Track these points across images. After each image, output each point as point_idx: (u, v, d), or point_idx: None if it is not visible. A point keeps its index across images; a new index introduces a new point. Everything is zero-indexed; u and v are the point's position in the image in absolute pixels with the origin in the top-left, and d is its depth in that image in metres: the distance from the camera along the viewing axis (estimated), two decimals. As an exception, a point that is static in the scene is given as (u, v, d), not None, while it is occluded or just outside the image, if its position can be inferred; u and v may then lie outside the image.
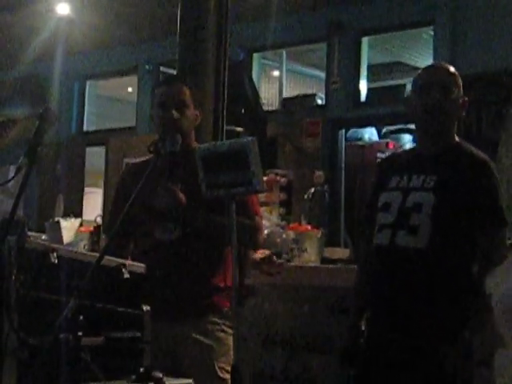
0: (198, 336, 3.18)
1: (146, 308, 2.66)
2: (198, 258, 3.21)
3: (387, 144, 7.38)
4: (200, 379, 2.84)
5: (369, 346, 2.87)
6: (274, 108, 8.24)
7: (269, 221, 4.99)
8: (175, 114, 2.99)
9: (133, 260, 3.09)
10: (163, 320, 2.89)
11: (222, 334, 3.17)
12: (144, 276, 2.77)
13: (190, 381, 2.64)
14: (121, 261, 2.63)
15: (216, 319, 3.17)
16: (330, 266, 4.60)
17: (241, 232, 2.92)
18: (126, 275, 2.61)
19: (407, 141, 7.21)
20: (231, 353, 2.84)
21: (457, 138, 2.85)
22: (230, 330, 3.09)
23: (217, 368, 3.10)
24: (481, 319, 2.64)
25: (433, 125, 2.76)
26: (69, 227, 5.87)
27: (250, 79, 7.45)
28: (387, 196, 2.82)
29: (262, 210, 4.24)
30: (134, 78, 9.28)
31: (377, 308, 2.92)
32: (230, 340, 2.98)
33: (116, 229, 2.77)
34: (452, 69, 2.81)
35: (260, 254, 4.37)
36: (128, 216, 2.67)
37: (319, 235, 4.84)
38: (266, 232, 4.29)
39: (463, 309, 2.69)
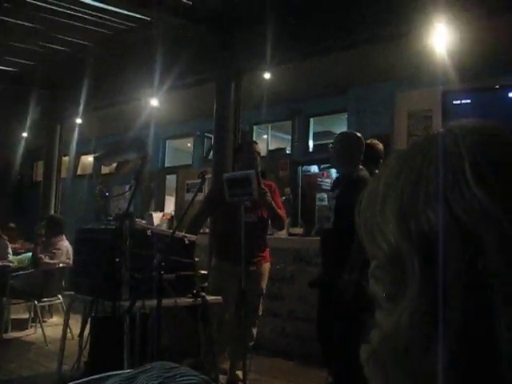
0: (255, 272, 4.63)
1: (196, 259, 4.33)
2: (262, 232, 4.80)
3: (323, 174, 9.64)
4: (253, 295, 4.49)
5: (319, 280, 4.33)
6: (264, 155, 8.90)
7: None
8: None
9: (218, 232, 4.98)
10: (237, 264, 4.33)
11: (265, 272, 4.72)
12: (224, 240, 4.55)
13: (220, 297, 4.31)
14: (183, 234, 4.28)
15: (264, 263, 4.77)
16: (293, 237, 6.74)
17: (278, 219, 4.74)
18: (187, 242, 4.26)
19: (333, 172, 8.57)
20: (266, 281, 4.62)
21: (359, 167, 4.13)
22: (267, 272, 4.67)
23: (263, 288, 4.69)
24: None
25: (334, 165, 4.54)
26: (157, 216, 8.91)
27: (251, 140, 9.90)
28: (329, 204, 4.57)
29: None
30: (191, 139, 12.05)
31: (321, 257, 4.47)
32: (267, 274, 4.64)
33: (202, 216, 4.84)
34: (348, 134, 4.47)
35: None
36: (213, 209, 4.70)
37: (287, 221, 6.58)
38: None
39: (342, 259, 3.85)
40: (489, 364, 0.47)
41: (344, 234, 3.74)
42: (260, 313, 4.64)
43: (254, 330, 4.64)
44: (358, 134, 4.32)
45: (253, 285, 4.51)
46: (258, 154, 4.81)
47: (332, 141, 4.69)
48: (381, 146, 4.80)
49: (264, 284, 4.64)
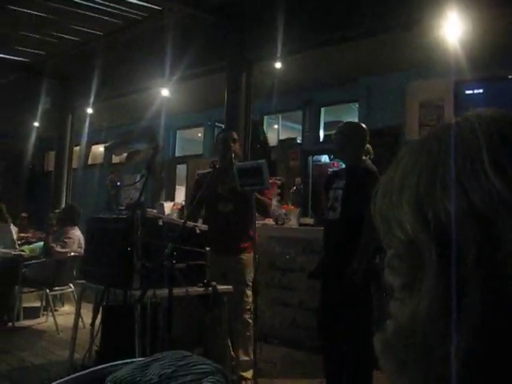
0: (236, 263, 4.58)
1: (207, 248, 4.27)
2: (239, 221, 4.58)
3: (333, 164, 9.19)
4: (237, 285, 4.43)
5: (321, 270, 4.21)
6: (274, 145, 10.57)
7: (272, 203, 5.68)
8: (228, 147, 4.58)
9: (204, 222, 4.63)
10: (220, 253, 4.54)
11: (247, 262, 4.53)
12: (208, 231, 4.25)
13: (230, 287, 4.27)
14: (194, 224, 4.26)
15: (246, 254, 4.59)
16: (303, 227, 6.38)
17: (261, 206, 4.52)
18: (198, 231, 4.19)
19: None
20: (253, 272, 4.29)
21: (363, 158, 4.07)
22: (251, 261, 4.38)
23: (246, 278, 4.51)
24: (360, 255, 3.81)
25: (339, 156, 4.37)
26: (168, 206, 8.57)
27: (262, 130, 10.31)
28: (330, 193, 4.12)
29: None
30: (201, 129, 12.11)
31: (324, 247, 4.28)
32: (252, 265, 4.35)
33: (192, 206, 4.51)
34: (354, 124, 4.31)
35: (268, 221, 6.38)
36: (200, 199, 4.24)
37: (298, 211, 6.74)
38: (271, 209, 5.54)
39: (351, 249, 3.80)
40: (507, 355, 0.47)
41: (351, 224, 3.82)
42: (248, 303, 4.48)
43: (247, 318, 4.51)
44: (363, 125, 4.30)
45: (235, 275, 4.54)
46: (234, 140, 4.73)
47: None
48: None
49: (248, 274, 4.49)
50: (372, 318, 3.83)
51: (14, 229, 8.27)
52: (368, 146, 4.63)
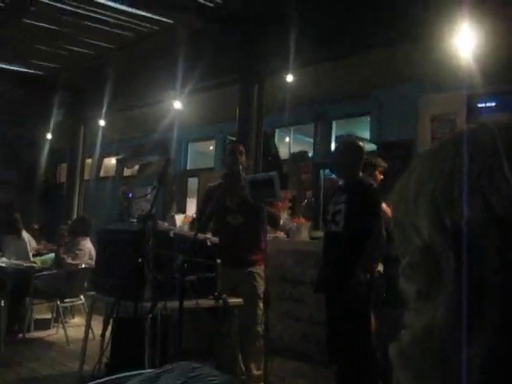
0: (248, 275, 4.59)
1: (218, 260, 4.24)
2: (249, 233, 4.58)
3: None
4: (250, 298, 4.47)
5: (324, 283, 4.32)
6: (286, 157, 10.70)
7: (283, 216, 6.18)
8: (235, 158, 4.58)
9: (213, 235, 4.62)
10: (230, 266, 4.47)
11: (259, 275, 4.53)
12: (218, 244, 4.32)
13: (240, 300, 4.31)
14: (205, 236, 4.31)
15: (257, 267, 4.60)
16: (314, 240, 6.20)
17: (271, 218, 4.47)
18: (209, 243, 4.26)
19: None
20: (263, 284, 4.27)
21: (360, 175, 4.29)
22: (262, 273, 4.40)
23: (259, 291, 4.47)
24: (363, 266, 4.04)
25: (336, 173, 4.65)
26: (179, 218, 8.74)
27: (274, 143, 10.61)
28: (328, 207, 4.41)
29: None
30: (213, 142, 12.27)
31: (323, 262, 4.44)
32: (262, 278, 4.35)
33: (203, 219, 4.58)
34: (352, 143, 4.47)
35: (279, 234, 6.50)
36: (210, 212, 4.31)
37: (308, 225, 6.77)
38: (281, 222, 5.66)
39: (356, 260, 3.98)
40: None
41: (353, 237, 4.01)
42: (260, 316, 4.46)
43: (259, 331, 4.48)
44: (360, 143, 4.50)
45: (247, 288, 4.55)
46: (241, 153, 4.73)
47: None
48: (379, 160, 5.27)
49: (260, 287, 4.46)
50: (370, 331, 4.01)
51: (28, 237, 8.27)
52: (378, 158, 5.03)
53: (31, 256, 7.99)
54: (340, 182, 4.60)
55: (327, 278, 4.28)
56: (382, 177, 5.19)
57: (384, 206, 4.52)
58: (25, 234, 8.21)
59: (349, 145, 4.51)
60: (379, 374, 4.02)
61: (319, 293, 4.57)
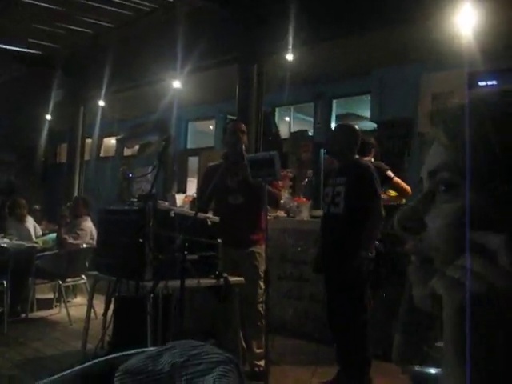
0: (249, 255, 4.59)
1: (219, 240, 4.22)
2: (250, 213, 4.59)
3: None
4: (251, 277, 4.45)
5: (324, 264, 4.41)
6: (286, 137, 10.68)
7: (283, 196, 6.29)
8: (238, 137, 4.53)
9: (214, 214, 4.57)
10: (231, 246, 4.46)
11: (260, 254, 4.54)
12: (218, 223, 4.29)
13: (242, 278, 4.27)
14: (205, 215, 4.28)
15: (258, 246, 4.62)
16: (315, 219, 5.97)
17: (271, 198, 4.41)
18: (209, 223, 4.23)
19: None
20: (264, 264, 4.16)
21: (356, 156, 4.37)
22: (263, 253, 4.36)
23: (260, 270, 4.46)
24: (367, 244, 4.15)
25: (333, 155, 4.56)
26: (179, 198, 8.50)
27: (274, 122, 10.49)
28: (327, 189, 4.42)
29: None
30: (213, 121, 12.42)
31: (322, 243, 4.49)
32: (263, 258, 4.30)
33: (204, 198, 4.57)
34: (348, 127, 4.54)
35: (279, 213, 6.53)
36: (211, 192, 4.25)
37: (309, 204, 6.65)
38: (282, 201, 5.82)
39: (357, 240, 4.12)
40: None
41: (355, 218, 4.12)
42: (261, 295, 4.42)
43: (261, 309, 4.48)
44: (356, 127, 4.58)
45: (248, 267, 4.55)
46: (242, 132, 4.70)
47: (354, 123, 4.97)
48: (372, 140, 5.41)
49: (261, 266, 4.43)
50: (366, 308, 4.17)
51: (33, 223, 8.30)
52: (372, 139, 5.12)
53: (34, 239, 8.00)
54: (336, 164, 4.61)
55: (327, 259, 4.33)
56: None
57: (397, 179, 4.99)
58: (30, 220, 8.23)
59: (344, 127, 4.62)
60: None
61: (318, 273, 4.65)
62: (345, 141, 4.34)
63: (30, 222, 8.22)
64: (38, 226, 8.48)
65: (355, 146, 4.36)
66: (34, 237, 8.03)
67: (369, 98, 9.78)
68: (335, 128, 4.66)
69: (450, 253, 0.56)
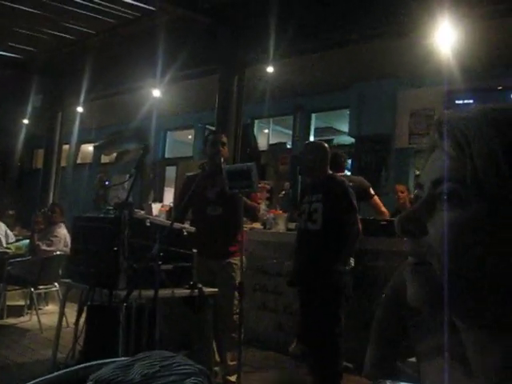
0: (226, 267, 4.53)
1: (194, 250, 4.11)
2: (228, 225, 4.51)
3: None
4: (227, 289, 4.39)
5: (297, 276, 4.48)
6: (264, 149, 10.91)
7: (261, 208, 6.17)
8: (219, 149, 4.52)
9: (192, 225, 4.51)
10: (209, 257, 4.42)
11: (237, 265, 4.40)
12: (195, 233, 4.20)
13: (216, 289, 4.21)
14: (182, 225, 4.21)
15: (235, 258, 4.50)
16: (291, 232, 5.92)
17: (249, 210, 4.54)
18: (185, 233, 4.16)
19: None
20: (239, 276, 4.18)
21: (329, 172, 4.47)
22: (238, 263, 4.26)
23: (236, 282, 4.30)
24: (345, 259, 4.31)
25: (307, 174, 4.66)
26: (156, 207, 8.31)
27: (253, 134, 10.64)
28: (303, 206, 4.46)
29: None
30: (192, 131, 12.30)
31: (298, 258, 4.53)
32: (238, 269, 4.26)
33: (180, 208, 4.57)
34: (318, 144, 4.67)
35: (255, 225, 6.48)
36: (187, 202, 4.20)
37: (285, 216, 6.58)
38: (260, 213, 5.60)
39: (336, 255, 4.21)
40: None
41: (333, 233, 4.18)
42: (237, 306, 4.31)
43: (235, 320, 4.35)
44: (326, 144, 4.68)
45: (225, 279, 4.51)
46: (223, 144, 4.67)
47: (332, 137, 4.95)
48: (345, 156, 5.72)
49: (237, 277, 4.36)
50: (341, 320, 4.21)
51: (5, 228, 8.20)
52: (338, 152, 5.34)
53: (4, 245, 7.89)
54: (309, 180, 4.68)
55: (303, 274, 4.35)
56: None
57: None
58: (1, 226, 8.13)
59: (312, 144, 4.84)
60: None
61: (292, 287, 4.69)
62: (315, 158, 4.43)
63: (2, 228, 8.12)
64: (9, 232, 8.36)
65: (326, 160, 4.45)
66: (4, 242, 7.91)
67: (348, 112, 9.81)
68: (304, 147, 4.75)
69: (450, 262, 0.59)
